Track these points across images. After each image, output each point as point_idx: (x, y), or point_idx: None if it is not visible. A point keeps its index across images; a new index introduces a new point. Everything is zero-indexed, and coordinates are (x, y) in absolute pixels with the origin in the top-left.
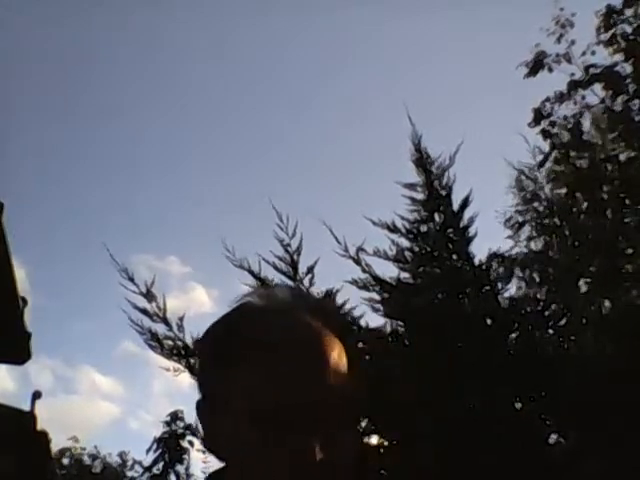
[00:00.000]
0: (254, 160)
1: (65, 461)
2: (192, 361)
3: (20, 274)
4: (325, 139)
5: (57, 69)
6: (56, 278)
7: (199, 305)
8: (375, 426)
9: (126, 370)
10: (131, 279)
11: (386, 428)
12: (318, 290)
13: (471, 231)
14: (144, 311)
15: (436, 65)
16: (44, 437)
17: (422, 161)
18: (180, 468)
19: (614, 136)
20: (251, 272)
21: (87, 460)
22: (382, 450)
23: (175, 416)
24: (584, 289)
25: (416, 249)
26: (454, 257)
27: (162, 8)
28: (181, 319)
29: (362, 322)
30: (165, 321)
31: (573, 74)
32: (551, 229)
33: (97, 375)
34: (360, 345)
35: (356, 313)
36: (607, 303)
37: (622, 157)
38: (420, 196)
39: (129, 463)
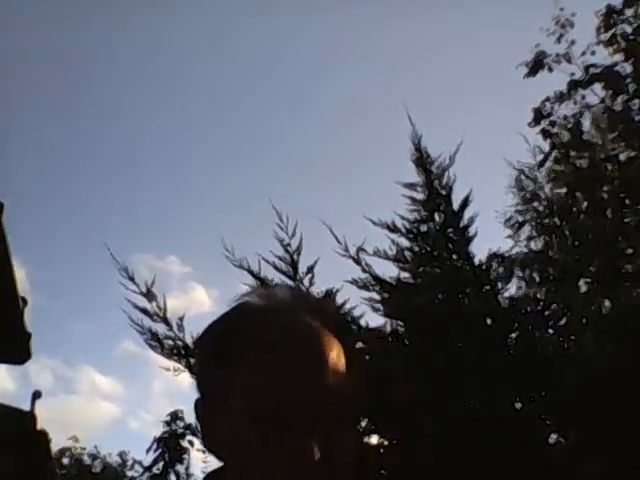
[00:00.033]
0: (254, 160)
1: (65, 461)
2: (192, 361)
3: (20, 274)
4: (325, 139)
5: (57, 69)
6: (56, 278)
7: (199, 305)
8: (375, 426)
9: (126, 370)
10: (131, 279)
11: (386, 428)
12: (318, 290)
13: (471, 231)
14: (144, 311)
15: (436, 65)
16: (44, 437)
17: (422, 161)
18: (180, 468)
19: (614, 136)
20: (251, 272)
21: (87, 460)
22: (382, 450)
23: (175, 416)
24: (584, 289)
25: (416, 249)
26: (454, 257)
27: (162, 8)
28: (181, 319)
29: (362, 322)
30: (165, 321)
31: (573, 74)
32: (551, 229)
33: (97, 375)
34: (360, 345)
35: (356, 313)
36: (607, 303)
37: (622, 157)
38: (420, 196)
39: (129, 463)
